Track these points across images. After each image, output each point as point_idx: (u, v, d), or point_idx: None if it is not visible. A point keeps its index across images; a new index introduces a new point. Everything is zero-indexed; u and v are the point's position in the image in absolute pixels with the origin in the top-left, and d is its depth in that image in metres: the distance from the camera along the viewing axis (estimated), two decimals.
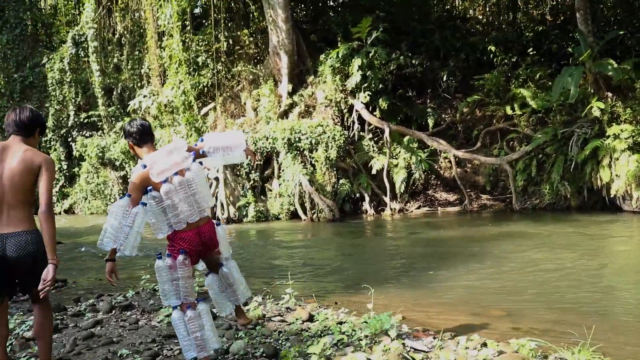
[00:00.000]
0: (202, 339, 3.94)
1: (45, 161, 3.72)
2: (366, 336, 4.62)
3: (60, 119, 21.19)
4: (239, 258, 10.34)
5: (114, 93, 20.68)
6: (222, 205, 16.39)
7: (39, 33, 23.79)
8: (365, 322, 4.91)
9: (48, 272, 3.55)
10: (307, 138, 15.83)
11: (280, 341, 4.79)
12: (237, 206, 16.46)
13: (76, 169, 21.08)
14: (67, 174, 21.16)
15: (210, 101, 18.67)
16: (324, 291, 7.19)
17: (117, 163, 19.41)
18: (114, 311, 6.17)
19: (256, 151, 4.83)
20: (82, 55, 20.82)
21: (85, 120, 20.91)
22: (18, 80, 22.22)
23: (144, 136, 4.07)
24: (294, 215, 16.11)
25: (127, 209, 3.81)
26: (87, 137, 20.52)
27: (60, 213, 20.63)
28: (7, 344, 4.50)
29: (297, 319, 5.34)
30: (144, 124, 4.10)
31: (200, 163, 4.16)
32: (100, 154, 19.61)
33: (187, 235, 3.98)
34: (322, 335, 4.84)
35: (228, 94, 18.41)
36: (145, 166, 3.90)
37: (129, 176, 19.38)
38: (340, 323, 5.12)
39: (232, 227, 15.51)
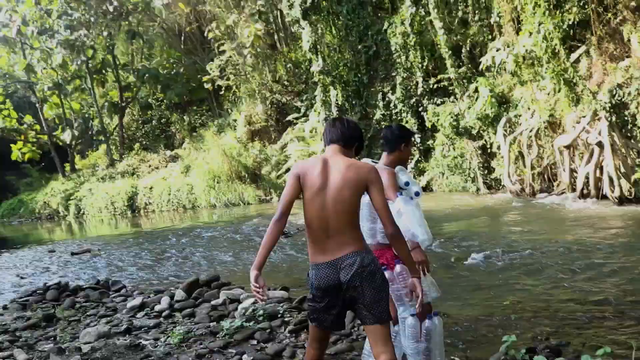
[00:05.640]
0: None
1: (369, 172, 3.31)
2: None
3: (409, 87, 19.91)
4: (616, 282, 6.72)
5: (463, 51, 18.35)
6: (610, 179, 12.81)
7: None
8: None
9: (414, 286, 3.42)
10: None
11: None
12: (633, 180, 12.65)
13: (430, 142, 19.60)
14: (422, 147, 19.71)
15: (579, 44, 14.87)
16: None
17: (474, 131, 17.20)
18: None
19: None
20: (423, 14, 18.99)
21: (435, 86, 19.13)
22: (362, 51, 21.74)
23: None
24: None
25: None
26: (438, 105, 18.77)
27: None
28: None
29: None
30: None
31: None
32: (454, 123, 17.63)
33: None
34: None
35: (604, 30, 14.30)
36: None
37: (488, 146, 17.11)
38: None
39: (625, 210, 11.93)
